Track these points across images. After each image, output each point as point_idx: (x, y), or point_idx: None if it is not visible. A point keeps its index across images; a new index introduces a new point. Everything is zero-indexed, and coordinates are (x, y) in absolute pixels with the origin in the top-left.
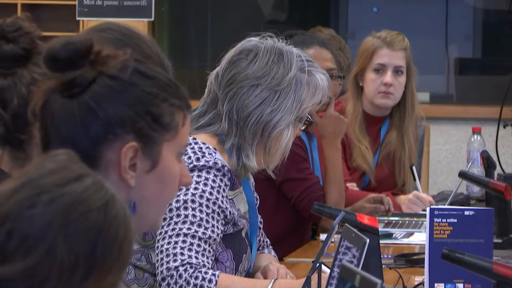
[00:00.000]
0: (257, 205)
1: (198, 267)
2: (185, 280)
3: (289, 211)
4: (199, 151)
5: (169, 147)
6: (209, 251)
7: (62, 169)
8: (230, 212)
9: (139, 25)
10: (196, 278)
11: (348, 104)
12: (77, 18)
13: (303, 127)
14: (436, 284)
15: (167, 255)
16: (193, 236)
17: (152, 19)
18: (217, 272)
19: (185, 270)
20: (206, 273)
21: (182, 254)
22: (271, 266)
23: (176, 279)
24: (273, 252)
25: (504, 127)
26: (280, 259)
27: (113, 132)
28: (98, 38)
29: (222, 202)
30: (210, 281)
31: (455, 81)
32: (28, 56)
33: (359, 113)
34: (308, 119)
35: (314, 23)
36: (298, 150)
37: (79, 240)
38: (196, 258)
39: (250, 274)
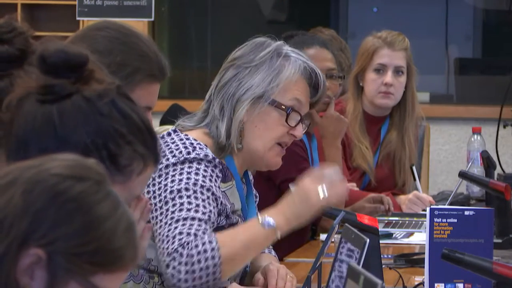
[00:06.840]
0: (257, 203)
1: (195, 239)
2: (187, 255)
3: None
4: (190, 146)
5: (117, 190)
6: (210, 233)
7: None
8: (221, 202)
9: (139, 25)
10: (196, 246)
11: (348, 104)
12: (77, 18)
13: (305, 127)
14: (436, 284)
15: (167, 241)
16: (193, 218)
17: (152, 19)
18: (212, 234)
19: (183, 247)
20: (202, 238)
21: (180, 233)
22: (271, 266)
23: (178, 260)
24: (273, 252)
25: (504, 127)
26: (280, 259)
27: (64, 152)
28: (96, 37)
29: (215, 190)
30: (210, 242)
31: (455, 81)
32: (23, 57)
33: (359, 113)
34: (303, 119)
35: (314, 23)
36: (298, 150)
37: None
38: (195, 235)
39: (246, 272)
